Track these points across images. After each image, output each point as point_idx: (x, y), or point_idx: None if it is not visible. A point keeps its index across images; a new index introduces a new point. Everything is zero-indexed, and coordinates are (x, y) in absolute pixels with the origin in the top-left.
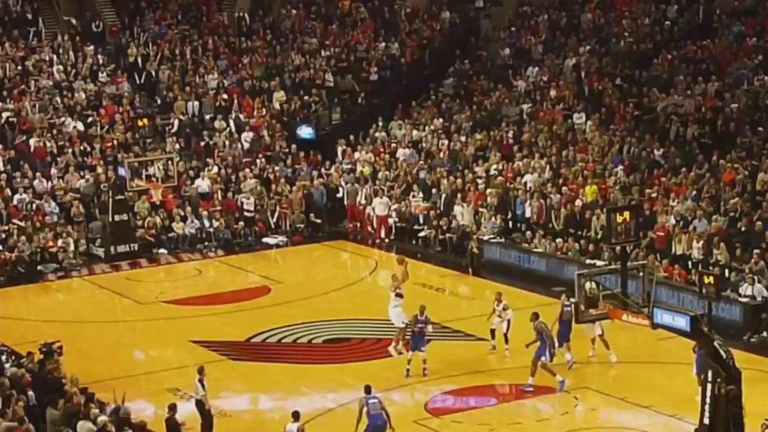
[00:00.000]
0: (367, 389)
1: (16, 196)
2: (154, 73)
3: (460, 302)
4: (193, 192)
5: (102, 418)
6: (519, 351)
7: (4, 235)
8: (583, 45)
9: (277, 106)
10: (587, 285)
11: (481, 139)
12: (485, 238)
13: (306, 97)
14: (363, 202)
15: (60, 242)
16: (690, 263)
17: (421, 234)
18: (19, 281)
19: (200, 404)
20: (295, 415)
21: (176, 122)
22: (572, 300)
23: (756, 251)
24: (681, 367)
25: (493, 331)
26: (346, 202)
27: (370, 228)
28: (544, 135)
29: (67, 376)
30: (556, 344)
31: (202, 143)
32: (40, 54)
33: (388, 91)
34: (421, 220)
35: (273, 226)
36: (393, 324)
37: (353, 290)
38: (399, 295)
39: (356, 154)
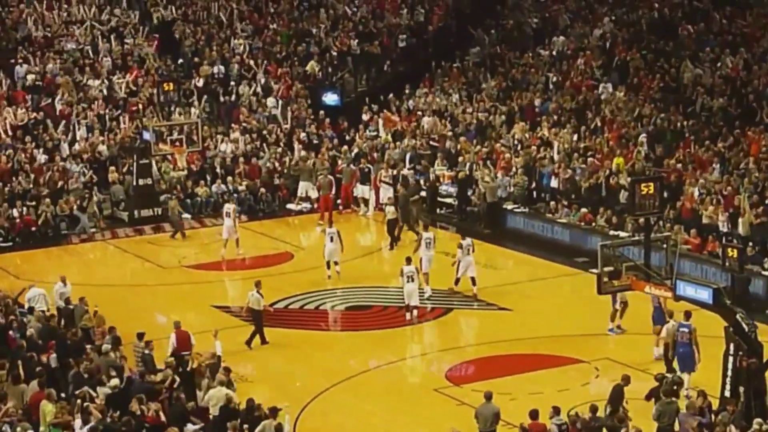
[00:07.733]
0: (687, 315)
1: (42, 158)
2: (178, 36)
3: (481, 271)
4: (217, 157)
5: (114, 381)
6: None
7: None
8: (609, 15)
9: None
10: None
11: (507, 108)
12: (509, 207)
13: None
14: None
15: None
16: (713, 236)
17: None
18: (43, 244)
19: (257, 314)
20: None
21: (201, 86)
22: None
23: None
24: (703, 339)
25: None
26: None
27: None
28: (570, 105)
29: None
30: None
31: (227, 108)
32: (66, 17)
33: (414, 59)
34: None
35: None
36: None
37: (376, 257)
38: None
39: (380, 121)
